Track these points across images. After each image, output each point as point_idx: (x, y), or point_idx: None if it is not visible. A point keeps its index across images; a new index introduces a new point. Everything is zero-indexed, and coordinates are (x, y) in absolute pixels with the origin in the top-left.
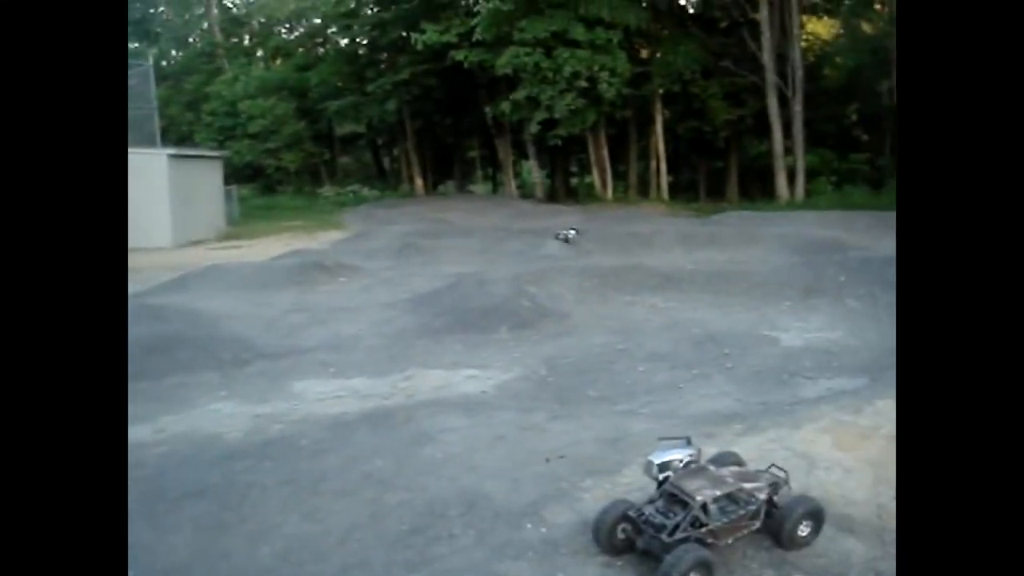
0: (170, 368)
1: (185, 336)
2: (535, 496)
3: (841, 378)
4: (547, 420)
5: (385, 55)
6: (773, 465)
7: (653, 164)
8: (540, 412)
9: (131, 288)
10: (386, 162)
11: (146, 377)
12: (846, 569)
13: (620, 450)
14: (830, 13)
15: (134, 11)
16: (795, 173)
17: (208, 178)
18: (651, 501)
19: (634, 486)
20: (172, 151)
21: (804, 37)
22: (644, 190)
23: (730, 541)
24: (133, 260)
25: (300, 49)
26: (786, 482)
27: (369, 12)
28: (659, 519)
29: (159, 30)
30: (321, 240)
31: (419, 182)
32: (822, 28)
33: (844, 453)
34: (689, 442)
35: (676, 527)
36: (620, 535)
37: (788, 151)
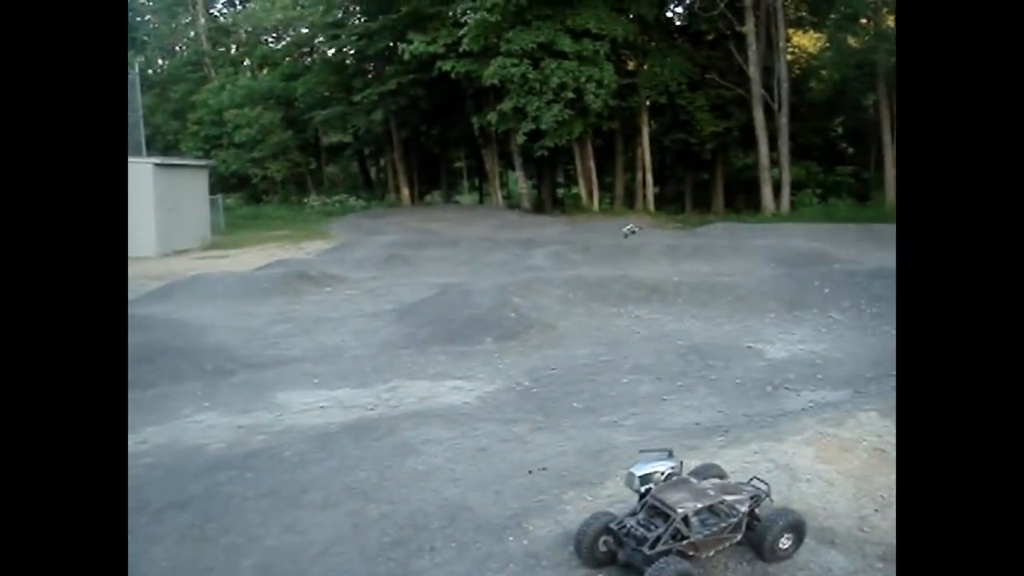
0: (154, 378)
1: (169, 346)
2: (517, 508)
3: (824, 390)
4: (530, 432)
5: (372, 65)
6: (755, 477)
7: (639, 175)
8: (523, 423)
9: None
10: (372, 172)
11: (130, 387)
12: None
13: (603, 462)
14: (816, 27)
15: None
16: (781, 185)
17: (193, 187)
18: (633, 513)
19: (616, 498)
20: (157, 160)
21: (790, 50)
22: (630, 201)
23: (711, 553)
24: None
25: (287, 59)
26: (768, 494)
27: (356, 22)
28: (640, 531)
29: (145, 38)
30: (306, 250)
31: (405, 192)
32: (808, 42)
33: (826, 465)
34: (671, 454)
35: (657, 539)
36: (602, 547)
37: (774, 163)
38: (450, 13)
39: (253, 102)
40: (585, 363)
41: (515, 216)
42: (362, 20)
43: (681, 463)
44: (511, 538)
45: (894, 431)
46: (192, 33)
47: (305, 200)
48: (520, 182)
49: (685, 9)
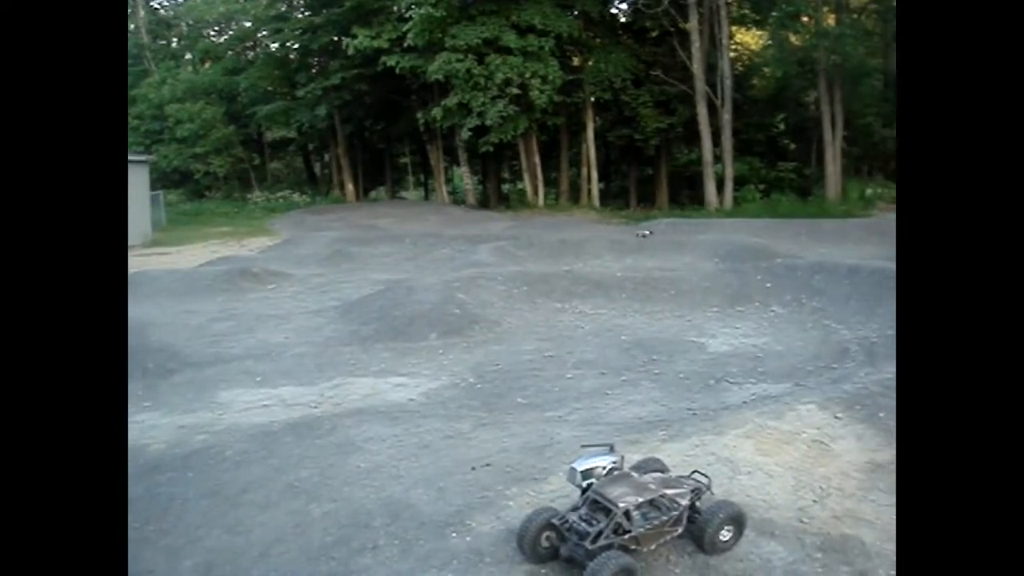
0: None
1: None
2: (460, 505)
3: (765, 383)
4: (474, 428)
5: (316, 60)
6: (696, 471)
7: (584, 171)
8: (467, 420)
9: None
10: (317, 168)
11: None
12: (768, 573)
13: (546, 457)
14: (758, 24)
15: None
16: (724, 181)
17: (134, 183)
18: (575, 508)
19: (560, 493)
20: None
21: (733, 47)
22: (575, 197)
23: (653, 547)
24: None
25: (229, 52)
26: (708, 488)
27: (300, 16)
28: (582, 526)
29: None
30: (250, 247)
31: (350, 188)
32: (750, 39)
33: (766, 458)
34: (612, 449)
35: (599, 534)
36: (544, 543)
37: (717, 159)
38: (395, 8)
39: (195, 96)
40: (529, 359)
41: (460, 212)
42: (306, 14)
43: (622, 458)
44: (454, 535)
45: (832, 423)
46: (132, 26)
47: (248, 196)
48: (465, 178)
49: (629, 6)
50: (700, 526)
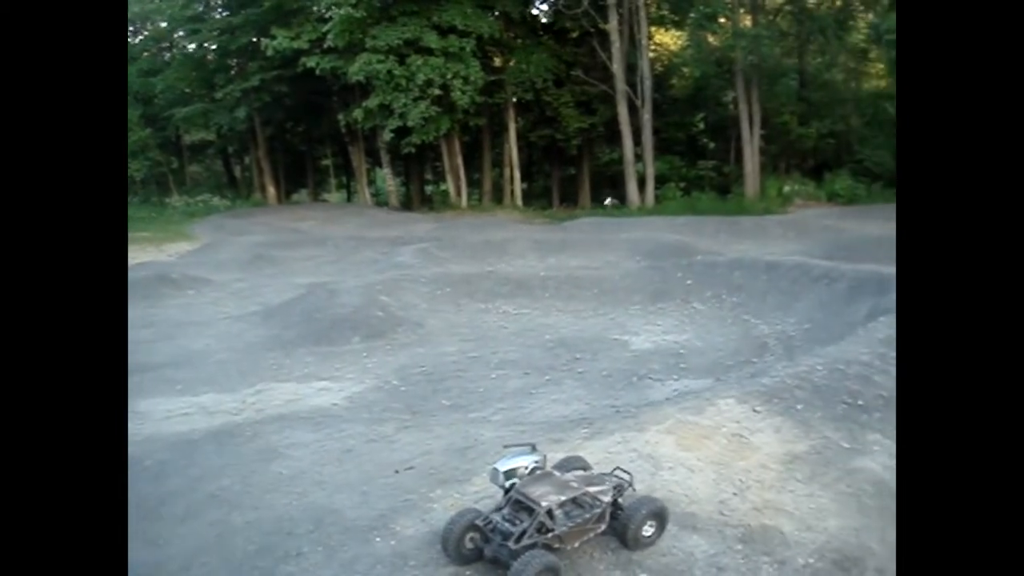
0: None
1: None
2: (384, 509)
3: (687, 379)
4: (397, 431)
5: (235, 61)
6: (618, 468)
7: (507, 171)
8: (391, 423)
9: None
10: (237, 171)
11: None
12: (690, 566)
13: (470, 459)
14: (677, 25)
15: None
16: (645, 179)
17: None
18: (498, 509)
19: (484, 494)
20: None
21: (652, 48)
22: (498, 197)
23: (576, 545)
24: None
25: (145, 53)
26: (630, 484)
27: (217, 16)
28: (506, 526)
29: None
30: (169, 252)
31: (271, 191)
32: (669, 39)
33: (687, 453)
34: (534, 449)
35: (523, 534)
36: (468, 544)
37: (638, 158)
38: (314, 8)
39: None
40: (453, 360)
41: (383, 214)
42: (224, 15)
43: (545, 457)
44: (378, 539)
45: (751, 417)
46: None
47: (167, 200)
48: (388, 179)
49: (550, 7)
50: (623, 522)
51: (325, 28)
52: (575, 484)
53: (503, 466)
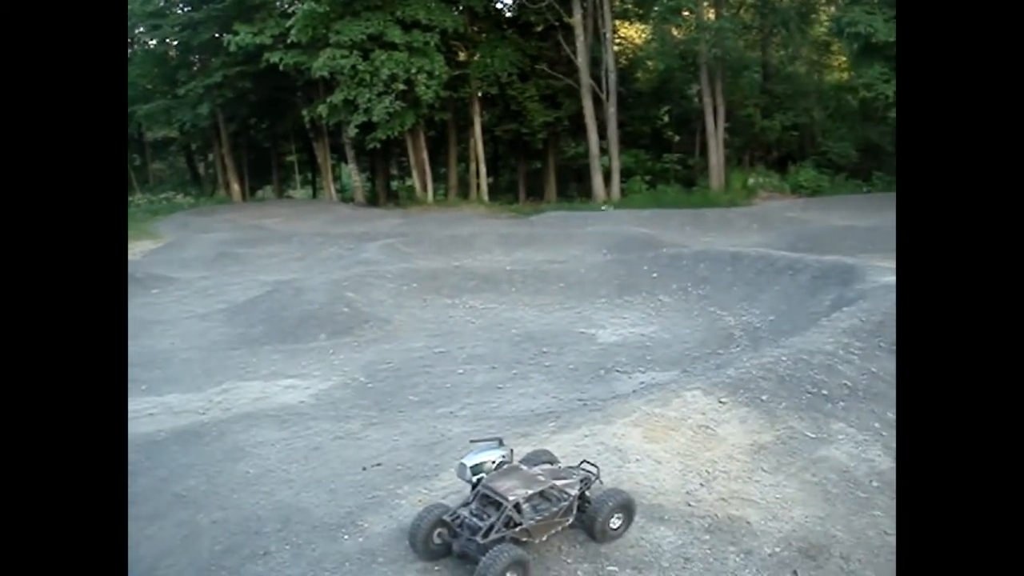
0: None
1: None
2: (352, 506)
3: (654, 371)
4: (365, 427)
5: (197, 57)
6: (584, 461)
7: (473, 166)
8: (358, 420)
9: None
10: (201, 168)
11: None
12: (657, 557)
13: (437, 454)
14: (641, 18)
15: None
16: (611, 173)
17: None
18: (466, 504)
19: (451, 489)
20: None
21: (617, 41)
22: (464, 192)
23: (544, 538)
24: None
25: None
26: (597, 477)
27: (179, 12)
28: (474, 521)
29: None
30: (132, 250)
31: (236, 188)
32: (634, 33)
33: (654, 445)
34: (501, 443)
35: (490, 528)
36: (436, 540)
37: (604, 152)
38: (277, 3)
39: None
40: (420, 355)
41: (349, 210)
42: (185, 10)
43: (512, 451)
44: (346, 537)
45: (717, 408)
46: None
47: (130, 198)
48: (353, 175)
49: (514, 1)
50: (590, 515)
51: (288, 23)
52: (542, 478)
53: (470, 461)
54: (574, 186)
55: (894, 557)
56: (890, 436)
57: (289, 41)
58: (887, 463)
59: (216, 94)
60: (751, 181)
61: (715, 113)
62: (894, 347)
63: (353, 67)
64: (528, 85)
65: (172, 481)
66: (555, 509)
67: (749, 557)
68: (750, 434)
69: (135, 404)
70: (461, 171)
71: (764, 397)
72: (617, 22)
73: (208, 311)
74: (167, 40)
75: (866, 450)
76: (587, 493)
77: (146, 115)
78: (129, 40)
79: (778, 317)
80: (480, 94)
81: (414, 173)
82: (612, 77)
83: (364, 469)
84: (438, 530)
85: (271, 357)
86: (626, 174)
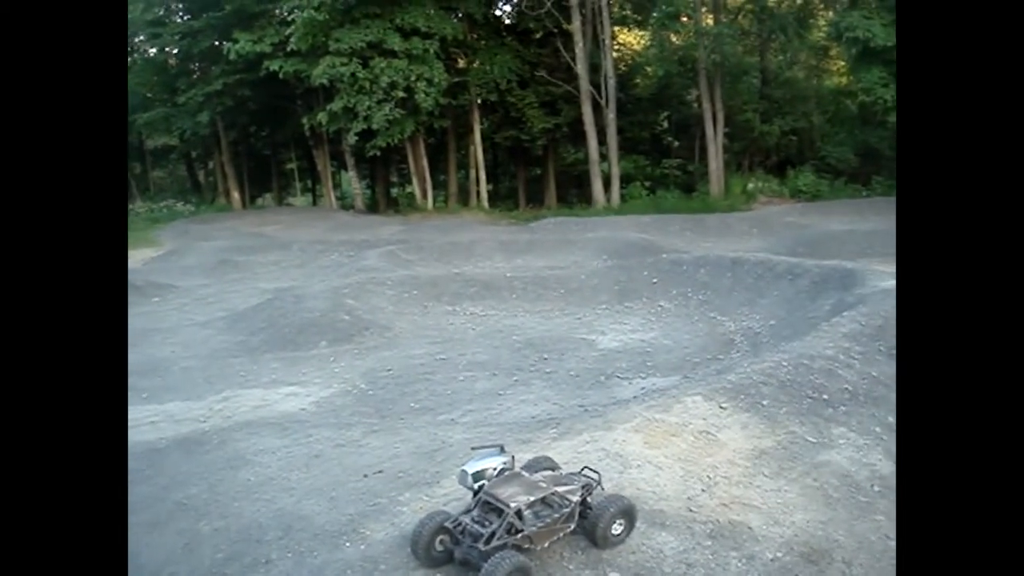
0: None
1: None
2: (353, 513)
3: (654, 377)
4: (366, 435)
5: (197, 65)
6: (586, 467)
7: (472, 173)
8: (359, 427)
9: None
10: (201, 176)
11: None
12: (659, 563)
13: (438, 461)
14: (640, 25)
15: None
16: (610, 179)
17: None
18: (467, 511)
19: (453, 497)
20: None
21: (616, 48)
22: (464, 199)
23: (546, 545)
24: None
25: None
26: (598, 483)
27: (179, 20)
28: (475, 528)
29: None
30: (132, 258)
31: (236, 196)
32: (632, 39)
33: (655, 451)
34: (502, 450)
35: (492, 535)
36: (438, 547)
37: (603, 158)
38: (277, 11)
39: None
40: (421, 362)
41: (349, 217)
42: (185, 18)
43: (513, 458)
44: (348, 544)
45: (717, 413)
46: None
47: (130, 206)
48: (353, 182)
49: (513, 8)
50: (592, 521)
51: (288, 31)
52: (544, 484)
53: (472, 468)
54: (574, 192)
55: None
56: (891, 440)
57: (289, 49)
58: (888, 467)
59: (216, 102)
60: (750, 186)
61: (714, 118)
62: (894, 351)
63: (353, 75)
64: (527, 92)
65: (173, 489)
66: (557, 515)
67: (751, 562)
68: (751, 439)
69: (136, 412)
70: (461, 178)
71: (765, 402)
72: (616, 28)
73: (208, 319)
74: (167, 48)
75: (867, 454)
76: (588, 499)
77: (146, 123)
78: (129, 49)
79: (778, 322)
80: (479, 101)
81: (414, 180)
82: (611, 83)
83: (365, 476)
84: (440, 537)
85: (271, 365)
86: (626, 180)
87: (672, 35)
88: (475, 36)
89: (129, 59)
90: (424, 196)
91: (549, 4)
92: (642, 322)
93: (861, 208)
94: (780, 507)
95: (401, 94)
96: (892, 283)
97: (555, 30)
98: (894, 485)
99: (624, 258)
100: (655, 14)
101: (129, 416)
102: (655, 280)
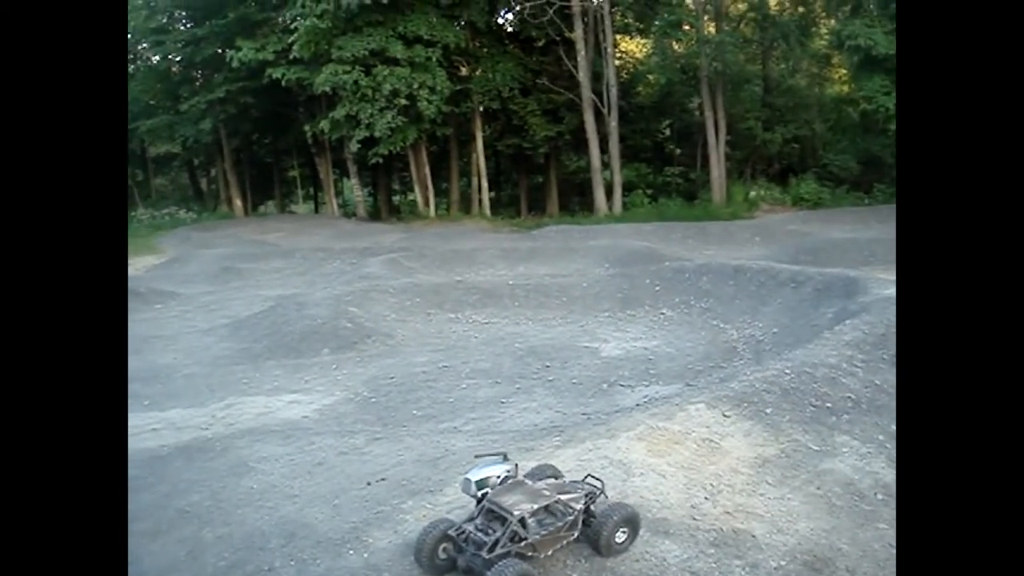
0: None
1: None
2: (356, 521)
3: (657, 385)
4: (369, 442)
5: (199, 73)
6: (589, 475)
7: (475, 181)
8: (362, 435)
9: None
10: (203, 183)
11: None
12: (663, 571)
13: (441, 469)
14: (642, 33)
15: None
16: (613, 187)
17: None
18: (471, 519)
19: (456, 504)
20: None
21: (618, 56)
22: (466, 207)
23: (550, 553)
24: None
25: None
26: (602, 491)
27: (182, 28)
28: (479, 536)
29: None
30: (135, 266)
31: (238, 203)
32: (635, 47)
33: (658, 459)
34: (505, 458)
35: (496, 543)
36: (442, 555)
37: (605, 166)
38: (279, 19)
39: None
40: (424, 370)
41: (351, 225)
42: (188, 26)
43: (516, 466)
44: (351, 552)
45: (721, 421)
46: None
47: (133, 213)
48: (355, 190)
49: (515, 16)
50: (595, 529)
51: (290, 39)
52: (547, 492)
53: (475, 476)
54: (576, 200)
55: None
56: (894, 448)
57: (291, 57)
58: (891, 475)
59: (219, 109)
60: (752, 194)
61: (716, 126)
62: None
63: (355, 82)
64: (530, 100)
65: (176, 496)
66: (560, 523)
67: (755, 571)
68: (754, 447)
69: (138, 419)
70: (463, 185)
71: (768, 410)
72: (618, 36)
73: (211, 326)
74: (170, 56)
75: (870, 463)
76: (592, 507)
77: (149, 131)
78: (132, 56)
79: (781, 330)
80: (482, 109)
81: (416, 188)
82: (613, 91)
83: (368, 484)
84: (443, 545)
85: (274, 372)
86: (628, 188)
87: (674, 43)
88: (478, 44)
89: (132, 66)
90: (426, 204)
91: (551, 12)
92: (645, 330)
93: (863, 216)
94: (784, 515)
95: (403, 102)
96: (895, 291)
97: (557, 38)
98: None
99: (626, 266)
100: (657, 22)
101: (131, 423)
102: (657, 288)
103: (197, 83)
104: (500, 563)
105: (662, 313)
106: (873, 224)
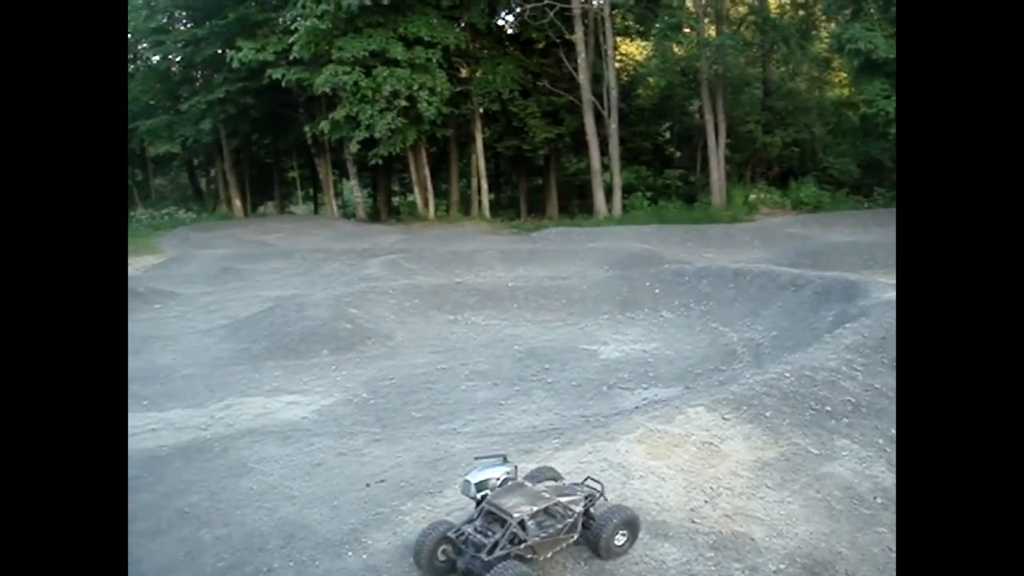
0: None
1: None
2: (355, 523)
3: (656, 388)
4: (368, 444)
5: (199, 73)
6: (589, 478)
7: (474, 182)
8: (361, 436)
9: None
10: (203, 183)
11: None
12: (662, 574)
13: (441, 471)
14: (642, 35)
15: None
16: (612, 189)
17: None
18: (470, 520)
19: (455, 506)
20: None
21: (618, 58)
22: (466, 208)
23: (549, 555)
24: None
25: None
26: (601, 493)
27: (182, 28)
28: (478, 538)
29: None
30: (134, 266)
31: (238, 203)
32: (635, 49)
33: (658, 461)
34: (505, 460)
35: (495, 545)
36: (441, 557)
37: (605, 168)
38: (280, 20)
39: None
40: (423, 372)
41: (350, 226)
42: (188, 26)
43: (516, 468)
44: (350, 553)
45: (721, 424)
46: None
47: (132, 213)
48: (355, 191)
49: (516, 17)
50: (595, 532)
51: (290, 40)
52: (547, 494)
53: (474, 478)
54: (576, 202)
55: None
56: (894, 452)
57: (292, 57)
58: (891, 479)
59: (218, 110)
60: (752, 197)
61: (716, 129)
62: None
63: (355, 83)
64: (530, 102)
65: (175, 497)
66: (560, 526)
67: (754, 574)
68: (754, 450)
69: (138, 420)
70: (463, 187)
71: (768, 413)
72: (618, 39)
73: (210, 327)
74: (170, 56)
75: (870, 466)
76: (591, 510)
77: (148, 131)
78: (132, 56)
79: (781, 333)
80: (482, 110)
81: (416, 189)
82: (613, 94)
83: (367, 485)
84: (442, 547)
85: (273, 373)
86: (628, 190)
87: (674, 46)
88: (478, 46)
89: (132, 66)
90: (426, 205)
91: (552, 14)
92: (644, 332)
93: (863, 219)
94: (783, 519)
95: (403, 103)
96: (894, 295)
97: (558, 40)
98: None
99: (626, 268)
100: (657, 25)
101: (130, 424)
102: (657, 290)
103: (197, 83)
104: (499, 565)
105: (662, 316)
106: (873, 228)
